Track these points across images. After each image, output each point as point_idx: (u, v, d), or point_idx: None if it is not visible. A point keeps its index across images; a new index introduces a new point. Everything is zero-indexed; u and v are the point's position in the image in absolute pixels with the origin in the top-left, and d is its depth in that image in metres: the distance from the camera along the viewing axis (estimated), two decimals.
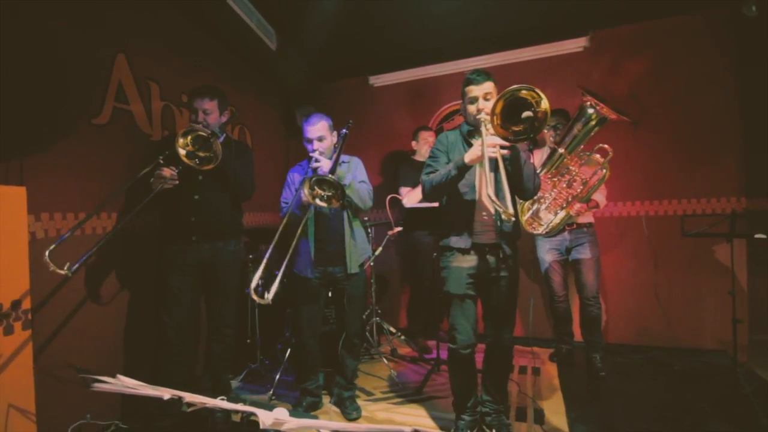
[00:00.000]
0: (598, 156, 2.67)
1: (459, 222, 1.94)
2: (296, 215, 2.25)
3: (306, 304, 2.39)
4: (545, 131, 2.92)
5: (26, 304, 1.51)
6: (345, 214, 2.38)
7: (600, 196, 2.85)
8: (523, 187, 1.86)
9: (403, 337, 3.51)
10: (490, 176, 1.67)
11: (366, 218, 3.32)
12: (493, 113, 1.60)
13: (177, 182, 2.11)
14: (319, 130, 2.32)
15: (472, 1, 3.05)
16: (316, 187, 2.04)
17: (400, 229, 3.19)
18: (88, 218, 2.04)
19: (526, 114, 1.56)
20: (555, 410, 2.36)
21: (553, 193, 2.74)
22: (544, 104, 1.54)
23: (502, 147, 1.69)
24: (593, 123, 2.55)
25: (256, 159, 2.65)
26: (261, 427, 0.80)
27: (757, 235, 2.28)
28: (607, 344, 3.31)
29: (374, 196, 2.44)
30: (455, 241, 1.94)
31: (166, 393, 0.91)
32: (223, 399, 0.96)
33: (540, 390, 2.64)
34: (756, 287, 3.08)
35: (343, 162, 2.42)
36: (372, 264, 3.26)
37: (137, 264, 2.47)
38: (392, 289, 4.06)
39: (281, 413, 0.84)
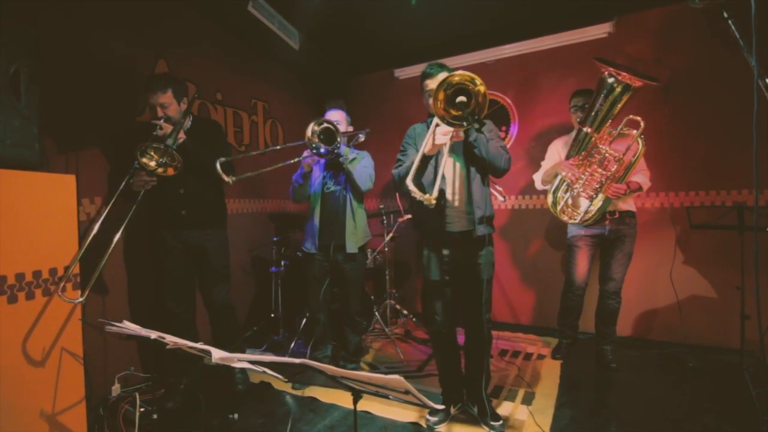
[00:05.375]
0: (628, 129, 2.43)
1: (433, 211, 1.99)
2: (299, 183, 2.56)
3: (313, 279, 2.66)
4: (571, 113, 2.82)
5: (76, 270, 1.88)
6: (348, 197, 2.61)
7: (642, 178, 2.61)
8: (494, 167, 1.92)
9: (415, 320, 3.68)
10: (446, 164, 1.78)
11: (382, 206, 3.51)
12: (435, 101, 1.61)
13: (155, 182, 2.13)
14: (335, 116, 2.61)
15: None
16: (318, 134, 2.29)
17: (409, 216, 3.33)
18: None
19: (460, 99, 1.58)
20: (547, 394, 2.42)
21: (584, 176, 2.52)
22: (480, 86, 1.54)
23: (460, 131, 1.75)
24: (617, 93, 2.34)
25: (287, 150, 2.80)
26: (213, 361, 1.03)
27: None
28: (625, 338, 3.25)
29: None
30: (431, 230, 2.04)
31: (153, 334, 1.17)
32: (201, 344, 1.20)
33: (539, 375, 2.69)
34: None
35: (354, 154, 2.63)
36: (386, 249, 3.45)
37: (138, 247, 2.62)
38: (412, 275, 4.23)
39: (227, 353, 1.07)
